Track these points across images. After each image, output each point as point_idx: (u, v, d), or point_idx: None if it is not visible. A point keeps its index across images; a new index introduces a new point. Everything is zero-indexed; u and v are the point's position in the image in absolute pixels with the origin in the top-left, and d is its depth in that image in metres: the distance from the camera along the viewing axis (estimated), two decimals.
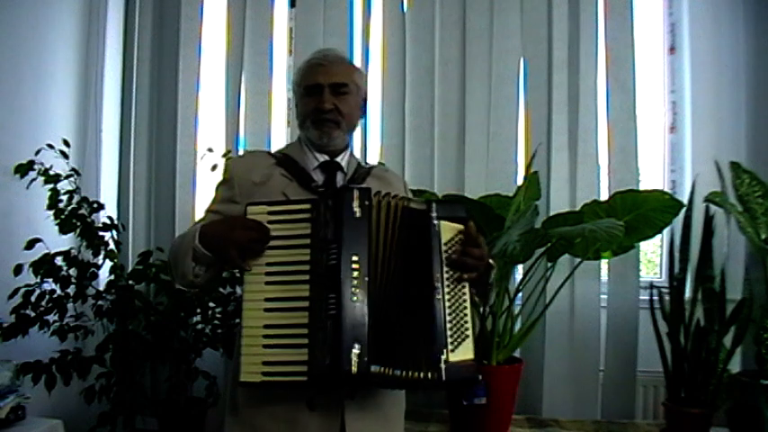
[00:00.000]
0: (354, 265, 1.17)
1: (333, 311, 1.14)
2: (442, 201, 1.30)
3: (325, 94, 1.39)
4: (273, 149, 1.57)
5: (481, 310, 2.35)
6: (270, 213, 1.23)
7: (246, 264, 1.21)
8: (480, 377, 1.20)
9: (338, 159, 1.45)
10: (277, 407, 1.27)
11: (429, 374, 1.15)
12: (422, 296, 1.20)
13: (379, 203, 1.23)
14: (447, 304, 1.20)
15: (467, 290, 1.24)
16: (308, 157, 1.44)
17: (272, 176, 1.39)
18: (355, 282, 1.16)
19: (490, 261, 1.34)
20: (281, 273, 1.21)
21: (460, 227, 1.27)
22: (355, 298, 1.15)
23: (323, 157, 1.43)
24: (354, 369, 1.12)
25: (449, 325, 1.19)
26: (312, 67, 1.43)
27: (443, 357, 1.16)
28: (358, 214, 1.20)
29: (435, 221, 1.24)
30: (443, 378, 1.15)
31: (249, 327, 1.21)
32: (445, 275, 1.22)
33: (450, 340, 1.18)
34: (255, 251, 1.21)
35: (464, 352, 1.19)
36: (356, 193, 1.21)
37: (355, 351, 1.12)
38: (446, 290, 1.21)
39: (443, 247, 1.23)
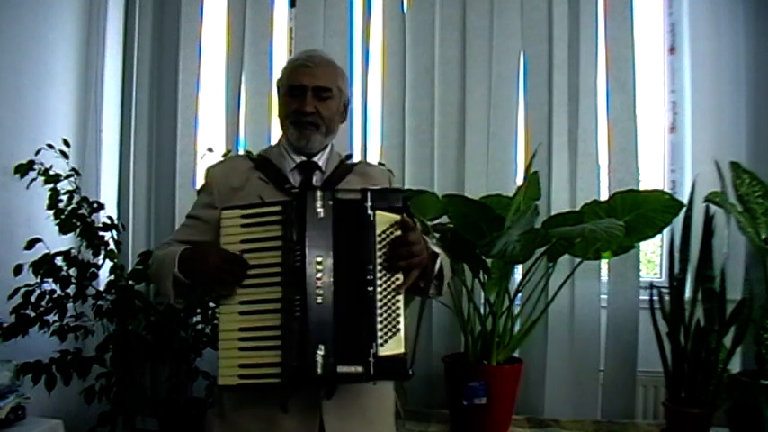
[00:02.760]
0: (318, 266, 1.18)
1: (298, 313, 1.16)
2: (378, 190, 1.27)
3: (308, 96, 1.38)
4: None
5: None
6: (243, 217, 1.25)
7: (229, 293, 1.23)
8: (411, 372, 1.20)
9: (315, 159, 1.44)
10: (258, 407, 1.28)
11: (359, 369, 1.16)
12: (360, 291, 1.20)
13: (341, 201, 1.23)
14: (378, 297, 1.20)
15: (398, 281, 1.23)
16: (285, 159, 1.44)
17: (250, 180, 1.41)
18: (319, 282, 1.18)
19: (435, 250, 1.34)
20: (254, 275, 1.22)
21: (396, 217, 1.25)
22: (320, 300, 1.17)
23: (300, 158, 1.43)
24: (320, 371, 1.14)
25: (379, 318, 1.19)
26: (297, 68, 1.42)
27: (372, 351, 1.17)
28: (321, 215, 1.21)
29: (369, 212, 1.23)
30: (371, 372, 1.17)
31: (225, 330, 1.23)
32: (378, 268, 1.21)
33: (379, 334, 1.18)
34: (233, 282, 1.23)
35: (394, 346, 1.19)
36: (319, 194, 1.22)
37: (320, 353, 1.14)
38: (378, 283, 1.21)
39: (377, 239, 1.22)
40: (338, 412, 1.29)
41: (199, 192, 1.53)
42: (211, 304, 2.55)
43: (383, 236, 1.23)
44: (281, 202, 1.25)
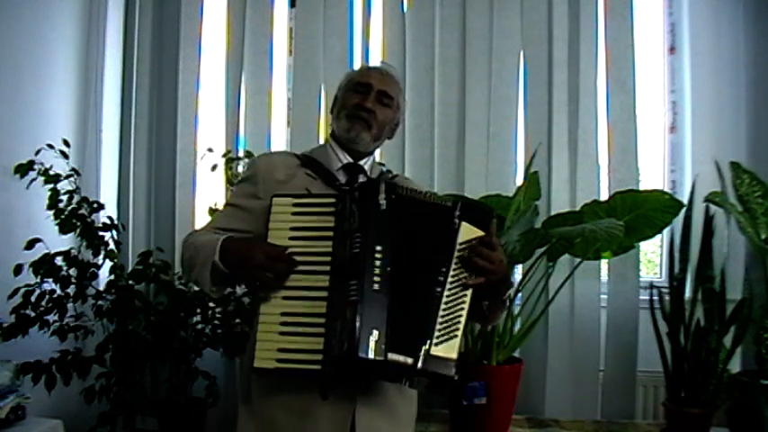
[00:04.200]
0: (377, 255, 1.18)
1: (354, 297, 1.15)
2: (469, 202, 1.29)
3: (372, 95, 1.44)
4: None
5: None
6: (295, 205, 1.26)
7: (266, 294, 1.23)
8: (456, 378, 1.18)
9: (361, 163, 1.47)
10: (289, 396, 1.27)
11: (406, 359, 1.15)
12: (425, 289, 1.20)
13: (405, 197, 1.24)
14: (444, 299, 1.20)
15: (469, 293, 1.23)
16: (331, 158, 1.46)
17: (296, 176, 1.41)
18: (377, 271, 1.17)
19: (508, 277, 1.33)
20: (302, 263, 1.22)
21: (480, 232, 1.26)
22: (377, 286, 1.16)
23: (347, 158, 1.46)
24: (372, 355, 1.12)
25: (440, 320, 1.18)
26: (369, 70, 1.50)
27: (425, 348, 1.16)
28: (384, 206, 1.21)
29: (456, 220, 1.25)
30: (418, 365, 1.15)
31: (266, 314, 1.22)
32: (451, 273, 1.22)
33: (437, 334, 1.17)
34: (277, 282, 1.22)
35: (448, 350, 1.18)
36: (383, 186, 1.23)
37: (373, 338, 1.13)
38: (448, 286, 1.21)
39: (458, 246, 1.23)
40: (370, 410, 1.28)
41: (240, 181, 1.52)
42: (211, 304, 2.55)
43: (465, 245, 1.24)
44: (334, 195, 1.27)
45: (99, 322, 2.36)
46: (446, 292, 1.20)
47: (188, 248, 1.38)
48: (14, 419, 1.86)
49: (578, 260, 2.51)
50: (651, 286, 2.55)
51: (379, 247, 1.18)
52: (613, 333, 2.67)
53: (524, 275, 2.56)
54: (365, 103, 1.43)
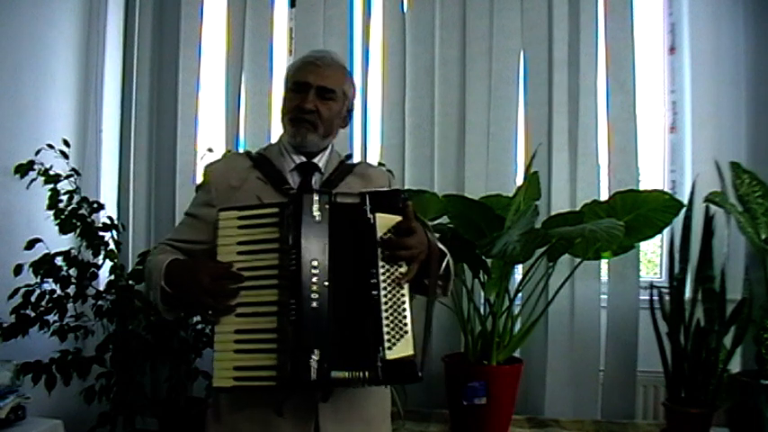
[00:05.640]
0: (314, 270, 1.17)
1: (293, 317, 1.15)
2: (377, 192, 1.27)
3: (311, 94, 1.38)
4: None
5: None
6: (240, 218, 1.24)
7: (217, 318, 1.22)
8: (420, 373, 1.17)
9: (315, 160, 1.43)
10: (254, 409, 1.27)
11: (367, 374, 1.15)
12: (362, 294, 1.19)
13: (338, 204, 1.22)
14: (383, 300, 1.18)
15: (406, 287, 1.21)
16: (285, 159, 1.43)
17: (248, 180, 1.39)
18: (315, 287, 1.16)
19: (441, 247, 1.31)
20: (251, 278, 1.21)
21: (397, 218, 1.23)
22: (315, 304, 1.15)
23: (299, 159, 1.42)
24: (314, 376, 1.12)
25: (386, 322, 1.17)
26: (305, 65, 1.41)
27: (380, 356, 1.15)
28: (318, 218, 1.19)
29: (369, 215, 1.22)
30: (380, 377, 1.15)
31: (221, 332, 1.23)
32: (381, 271, 1.20)
33: (387, 338, 1.16)
34: (225, 301, 1.20)
35: (402, 349, 1.17)
36: (315, 197, 1.21)
37: (314, 357, 1.13)
38: (383, 285, 1.19)
39: (378, 241, 1.21)
40: (335, 415, 1.28)
41: (197, 189, 1.51)
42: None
43: (385, 237, 1.22)
44: (277, 204, 1.24)
45: (99, 322, 2.36)
46: (383, 292, 1.19)
47: (146, 267, 1.38)
48: (14, 419, 1.86)
49: (578, 260, 2.51)
50: (651, 286, 2.55)
51: (315, 263, 1.17)
52: (613, 333, 2.67)
53: (524, 275, 2.56)
54: (305, 104, 1.37)
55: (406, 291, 1.21)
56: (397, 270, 1.21)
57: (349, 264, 1.20)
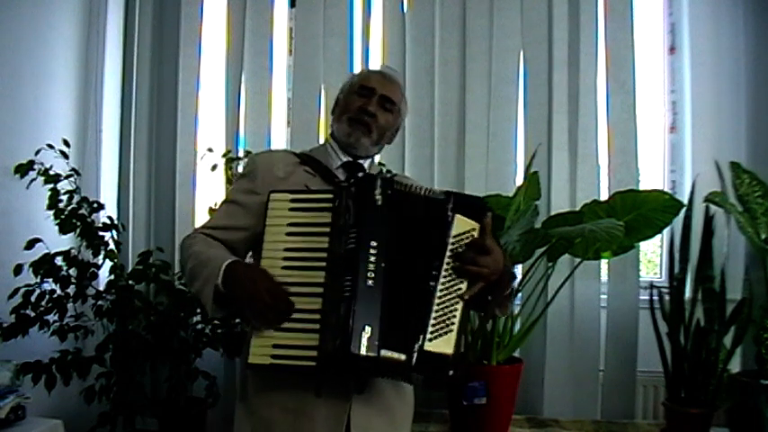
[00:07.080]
0: (372, 250, 1.18)
1: (347, 293, 1.15)
2: (463, 195, 1.29)
3: (374, 99, 1.44)
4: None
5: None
6: (292, 201, 1.26)
7: (261, 330, 1.21)
8: (451, 372, 1.18)
9: (361, 162, 1.48)
10: (284, 395, 1.27)
11: (399, 355, 1.15)
12: (418, 283, 1.20)
13: (400, 192, 1.24)
14: (438, 294, 1.20)
15: (464, 286, 1.23)
16: (331, 157, 1.47)
17: (295, 173, 1.42)
18: (372, 266, 1.17)
19: (509, 270, 1.32)
20: (298, 259, 1.23)
21: (475, 224, 1.26)
22: (371, 282, 1.16)
23: (346, 158, 1.47)
24: (364, 351, 1.12)
25: (434, 314, 1.18)
26: (373, 74, 1.50)
27: (418, 344, 1.16)
28: (379, 202, 1.21)
29: (450, 213, 1.24)
30: (412, 362, 1.15)
31: None
32: (444, 267, 1.21)
33: (430, 329, 1.17)
34: (275, 321, 1.20)
35: (443, 345, 1.18)
36: (379, 182, 1.23)
37: (365, 334, 1.13)
38: (442, 280, 1.21)
39: (451, 239, 1.23)
40: (366, 408, 1.28)
41: (239, 177, 1.52)
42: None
43: (458, 238, 1.24)
44: (332, 190, 1.27)
45: (99, 322, 2.36)
46: (439, 286, 1.20)
47: (191, 256, 1.34)
48: (14, 419, 1.86)
49: (578, 260, 2.51)
50: (651, 286, 2.55)
51: (374, 243, 1.18)
52: (613, 333, 2.67)
53: (524, 275, 2.56)
54: (368, 106, 1.43)
55: (464, 287, 1.23)
56: (461, 282, 1.22)
57: (411, 252, 1.22)
